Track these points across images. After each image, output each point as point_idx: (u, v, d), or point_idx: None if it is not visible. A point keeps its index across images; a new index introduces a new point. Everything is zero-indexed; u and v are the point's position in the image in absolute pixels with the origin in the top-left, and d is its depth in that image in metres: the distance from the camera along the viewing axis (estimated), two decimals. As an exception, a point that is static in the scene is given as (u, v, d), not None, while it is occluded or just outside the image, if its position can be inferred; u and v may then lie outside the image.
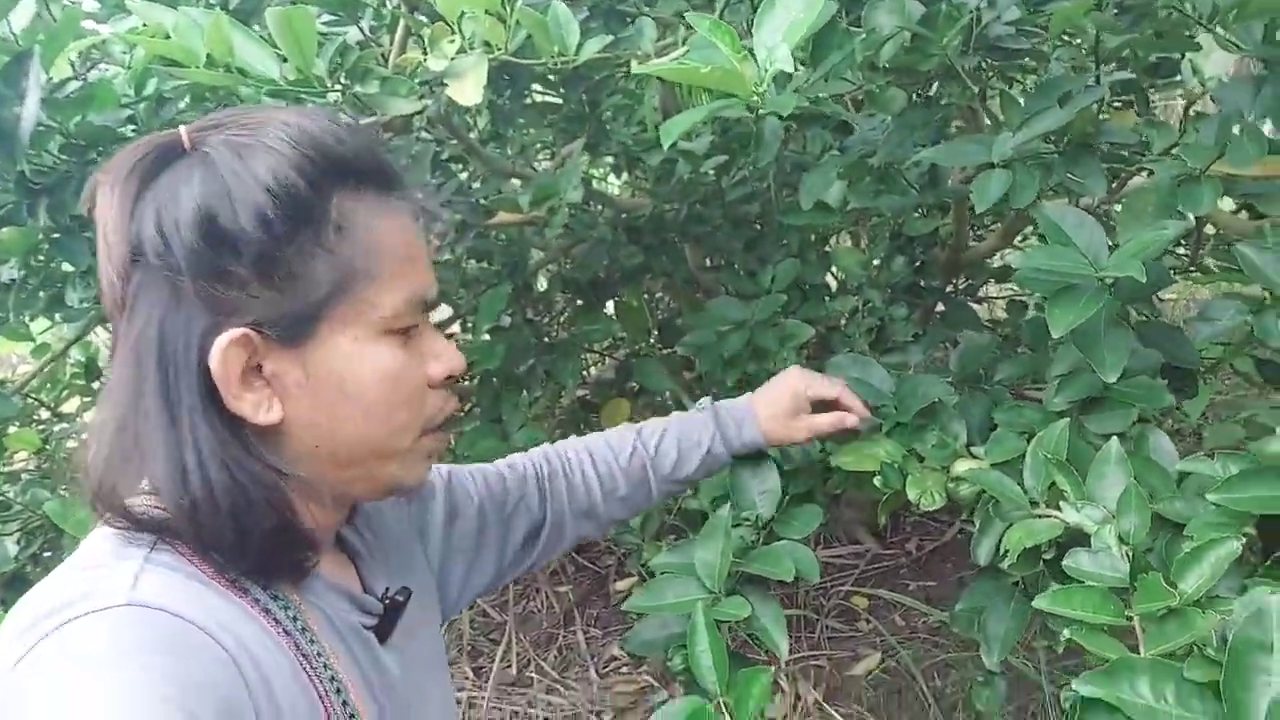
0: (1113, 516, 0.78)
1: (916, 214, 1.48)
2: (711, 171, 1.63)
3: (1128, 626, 0.70)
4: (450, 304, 1.76)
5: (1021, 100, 1.11)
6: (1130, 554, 0.75)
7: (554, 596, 2.34)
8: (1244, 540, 0.71)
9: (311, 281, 0.56)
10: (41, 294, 1.23)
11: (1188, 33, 1.12)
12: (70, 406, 1.83)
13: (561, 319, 1.97)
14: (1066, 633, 0.72)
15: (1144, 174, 1.35)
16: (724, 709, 0.79)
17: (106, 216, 0.56)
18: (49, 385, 1.81)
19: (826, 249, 1.74)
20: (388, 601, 0.67)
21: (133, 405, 0.56)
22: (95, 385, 1.81)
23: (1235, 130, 0.98)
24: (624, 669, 2.11)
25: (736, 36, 0.74)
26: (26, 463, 1.60)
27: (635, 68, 0.78)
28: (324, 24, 1.15)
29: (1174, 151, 1.07)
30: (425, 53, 0.91)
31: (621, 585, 2.31)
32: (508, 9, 0.91)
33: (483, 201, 1.57)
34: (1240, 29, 1.01)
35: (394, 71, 0.98)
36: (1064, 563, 0.77)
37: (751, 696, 0.78)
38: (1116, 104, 1.43)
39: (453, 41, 0.90)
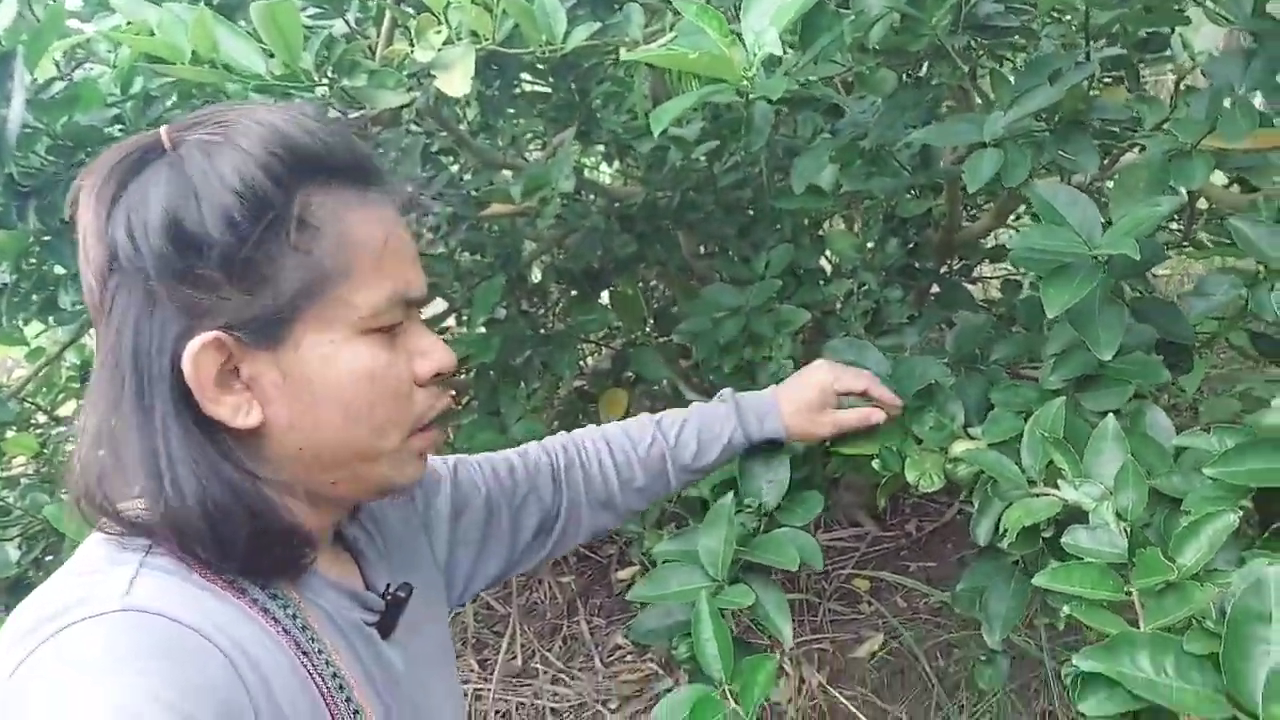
0: (1110, 493, 0.78)
1: (909, 195, 1.48)
2: (703, 158, 1.63)
3: (1127, 601, 0.70)
4: (445, 297, 1.75)
5: (1012, 78, 1.10)
6: (1128, 530, 0.75)
7: (557, 587, 2.35)
8: (1241, 513, 0.71)
9: (283, 282, 0.55)
10: (34, 297, 1.22)
11: (1177, 7, 1.11)
12: (67, 409, 1.83)
13: (556, 310, 1.96)
14: (1066, 609, 0.72)
15: (1136, 150, 1.35)
16: (729, 696, 0.80)
17: (85, 220, 0.55)
18: (45, 389, 1.80)
19: (820, 233, 1.73)
20: (389, 598, 0.67)
21: (112, 411, 0.56)
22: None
23: (1226, 104, 0.99)
24: (628, 657, 2.12)
25: (724, 21, 0.73)
26: (25, 467, 1.60)
27: (624, 55, 0.77)
28: (309, 17, 1.14)
29: (1165, 127, 1.07)
30: (412, 44, 0.91)
31: (624, 574, 2.32)
32: (494, -2, 0.90)
33: (474, 193, 1.56)
34: (1229, 2, 1.01)
35: (381, 64, 0.97)
36: (1063, 540, 0.77)
37: (757, 684, 0.79)
38: (1107, 80, 1.43)
39: (439, 32, 0.89)
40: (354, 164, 0.59)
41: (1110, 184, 1.26)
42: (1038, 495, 0.84)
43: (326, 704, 0.57)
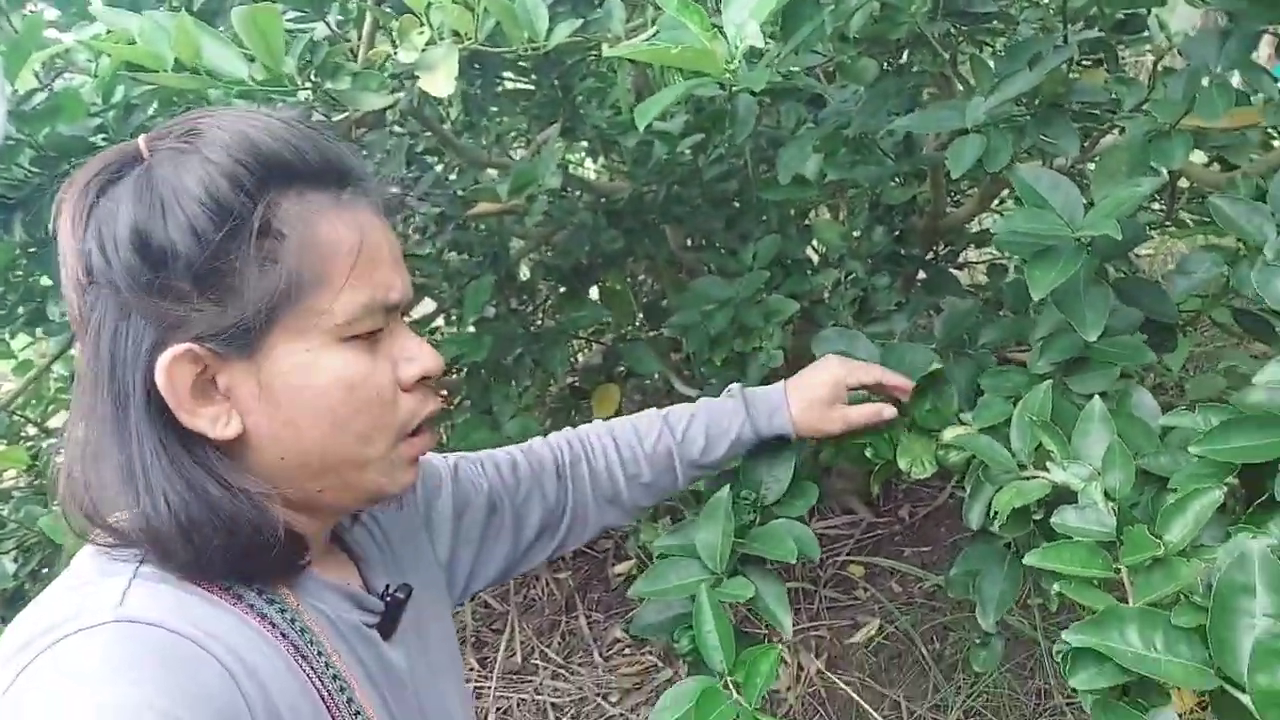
0: (1098, 473, 0.79)
1: (894, 183, 1.49)
2: (688, 151, 1.63)
3: (1116, 579, 0.71)
4: (433, 298, 1.75)
5: (992, 64, 1.11)
6: (1116, 508, 0.76)
7: (554, 584, 2.36)
8: (1226, 490, 0.72)
9: (252, 292, 0.54)
10: (21, 310, 1.22)
11: (1153, -12, 1.12)
12: (57, 421, 1.82)
13: (546, 307, 1.97)
14: (1057, 587, 0.73)
15: (1116, 131, 1.36)
16: (732, 687, 0.81)
17: (64, 234, 0.55)
18: (34, 401, 1.80)
19: (806, 223, 1.74)
20: (389, 599, 0.67)
21: (92, 424, 0.56)
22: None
23: (1204, 84, 0.99)
24: (627, 651, 2.13)
25: (705, 15, 0.74)
26: (17, 480, 1.60)
27: (607, 51, 0.77)
28: (290, 21, 1.14)
29: (1144, 107, 1.08)
30: (395, 45, 0.90)
31: (620, 569, 2.33)
32: (475, -4, 0.90)
33: (460, 193, 1.56)
34: (1204, -18, 1.02)
35: (364, 66, 0.97)
36: (1052, 520, 0.78)
37: (759, 674, 0.80)
38: (1086, 63, 1.44)
39: (422, 33, 0.89)
40: (327, 167, 0.58)
41: (1092, 166, 1.27)
42: (1028, 478, 0.85)
43: (327, 706, 0.57)
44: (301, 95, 0.92)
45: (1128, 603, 0.69)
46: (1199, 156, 1.32)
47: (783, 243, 1.46)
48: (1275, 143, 1.29)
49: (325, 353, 0.57)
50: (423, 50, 0.89)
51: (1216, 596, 0.61)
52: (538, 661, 2.14)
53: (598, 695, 2.01)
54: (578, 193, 1.73)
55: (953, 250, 1.95)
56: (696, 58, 0.73)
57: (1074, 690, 0.66)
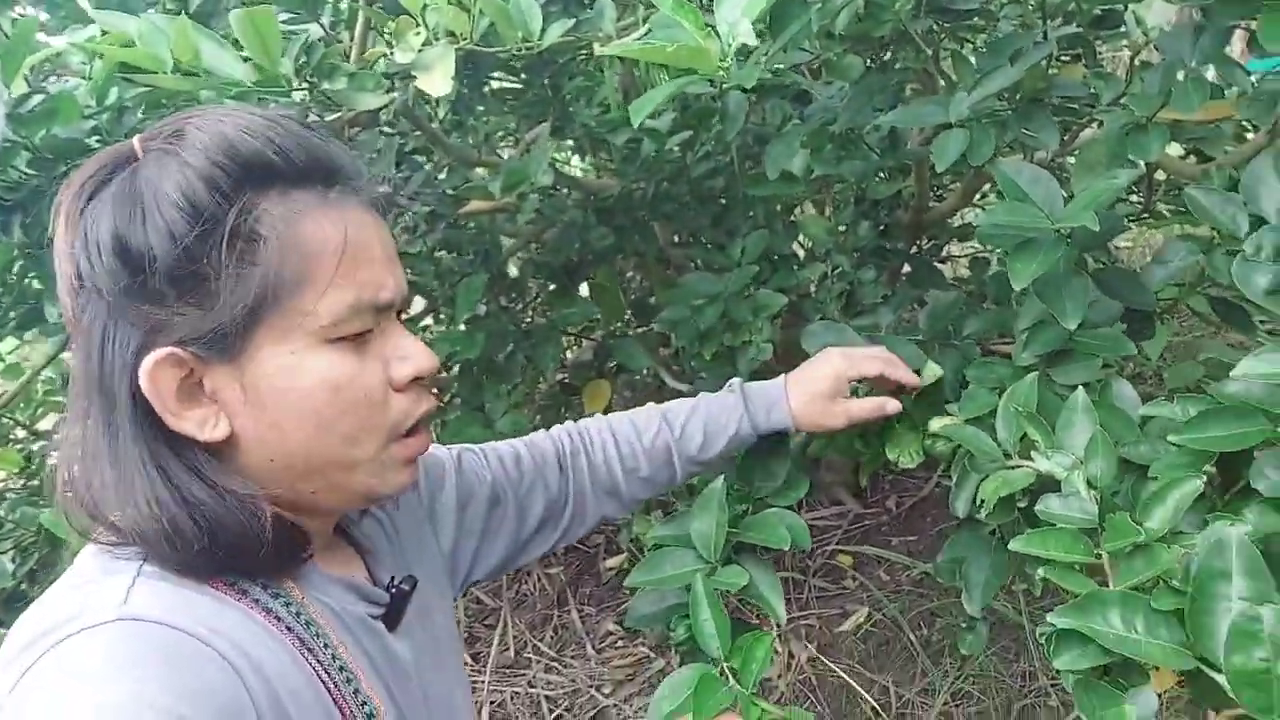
0: (1081, 462, 0.80)
1: (879, 178, 1.50)
2: (676, 148, 1.64)
3: (1098, 564, 0.73)
4: (424, 296, 1.76)
5: (973, 60, 1.13)
6: (1098, 496, 0.78)
7: (546, 579, 2.37)
8: (1205, 478, 0.73)
9: (233, 295, 0.54)
10: (13, 314, 1.21)
11: (1129, -16, 1.14)
12: (47, 424, 1.82)
13: (536, 304, 1.97)
14: (1041, 572, 0.74)
15: (1094, 125, 1.38)
16: (728, 673, 0.82)
17: (58, 237, 0.56)
18: (23, 404, 1.79)
19: (792, 218, 1.76)
20: (394, 590, 0.68)
21: (84, 425, 0.56)
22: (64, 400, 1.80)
23: (1179, 78, 1.01)
24: (620, 643, 2.14)
25: (699, 14, 0.75)
26: (8, 481, 1.59)
27: (603, 49, 0.78)
28: (283, 23, 1.14)
29: (1122, 102, 1.10)
30: (390, 46, 0.91)
31: (612, 562, 2.34)
32: (471, -3, 0.91)
33: (451, 191, 1.57)
34: (1179, -22, 1.04)
35: (359, 66, 0.97)
36: (1036, 508, 0.79)
37: (755, 659, 0.81)
38: (1064, 58, 1.46)
39: (418, 33, 0.89)
40: (314, 166, 0.57)
41: (1072, 160, 1.29)
42: (1013, 467, 0.86)
43: (333, 697, 0.58)
44: (297, 96, 0.92)
45: (1110, 587, 0.70)
46: (1175, 149, 1.35)
47: (770, 238, 1.47)
48: (1249, 135, 1.32)
49: (310, 355, 0.56)
50: (419, 50, 0.90)
51: (1195, 582, 0.63)
52: (530, 655, 2.16)
53: (591, 687, 2.03)
54: (567, 190, 1.74)
55: (936, 245, 1.97)
56: (692, 56, 0.74)
57: (1058, 671, 0.67)
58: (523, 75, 1.64)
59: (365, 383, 0.58)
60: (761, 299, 1.38)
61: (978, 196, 1.72)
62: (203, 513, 0.54)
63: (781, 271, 1.48)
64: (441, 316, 1.89)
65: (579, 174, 2.15)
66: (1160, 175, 1.46)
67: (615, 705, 1.96)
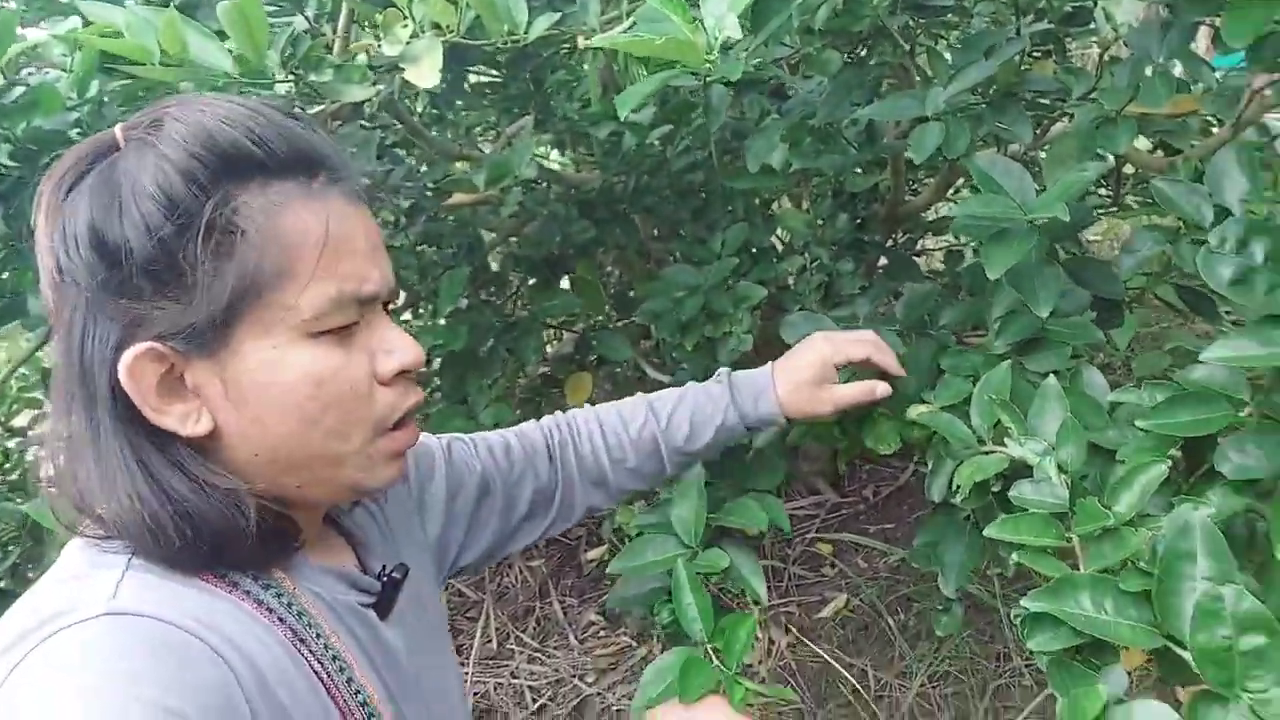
0: (1052, 448, 0.82)
1: (856, 171, 1.52)
2: (656, 142, 1.65)
3: (1069, 547, 0.75)
4: (406, 290, 1.75)
5: (948, 55, 1.15)
6: (1069, 481, 0.80)
7: (528, 571, 2.38)
8: (1171, 463, 0.75)
9: (212, 289, 0.53)
10: (-10, 308, 1.19)
11: (1098, -18, 1.17)
12: (22, 420, 1.80)
13: (518, 297, 1.98)
14: (1014, 556, 0.77)
15: (1065, 119, 1.41)
16: (712, 655, 0.84)
17: (39, 230, 0.55)
18: (-2, 401, 1.77)
19: (771, 212, 1.77)
20: (385, 579, 0.68)
21: (67, 420, 0.56)
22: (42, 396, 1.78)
23: (1147, 73, 1.04)
24: (602, 633, 2.16)
25: (687, 7, 0.76)
26: (-13, 477, 1.58)
27: (591, 41, 0.79)
28: (268, 15, 1.13)
29: (1092, 96, 1.13)
30: (377, 38, 0.91)
31: (593, 554, 2.36)
32: (457, -11, 0.91)
33: (432, 185, 1.57)
34: (1147, -24, 1.07)
35: (343, 59, 0.97)
36: (1009, 493, 0.81)
37: (738, 640, 0.83)
38: (1037, 54, 1.49)
39: (405, 26, 0.89)
40: (295, 156, 0.56)
41: (1044, 153, 1.32)
42: (987, 453, 0.88)
43: (327, 686, 0.58)
44: (280, 88, 0.92)
45: (1080, 570, 0.72)
46: (1143, 142, 1.38)
47: (749, 231, 1.48)
48: (1214, 129, 1.35)
49: (292, 349, 0.55)
50: (406, 43, 0.90)
51: (1162, 563, 0.65)
52: (513, 646, 2.17)
53: (574, 676, 2.04)
54: (548, 184, 1.75)
55: (911, 238, 2.00)
56: (679, 49, 0.75)
57: (1031, 652, 0.69)
58: (505, 69, 1.64)
59: (350, 376, 0.58)
60: (741, 291, 1.39)
61: (951, 191, 1.74)
62: (185, 507, 0.54)
63: (761, 264, 1.49)
64: (423, 310, 1.89)
65: (559, 168, 2.16)
66: (1129, 168, 1.49)
67: (599, 693, 1.98)
